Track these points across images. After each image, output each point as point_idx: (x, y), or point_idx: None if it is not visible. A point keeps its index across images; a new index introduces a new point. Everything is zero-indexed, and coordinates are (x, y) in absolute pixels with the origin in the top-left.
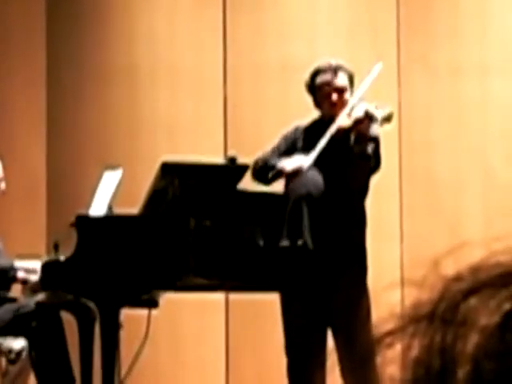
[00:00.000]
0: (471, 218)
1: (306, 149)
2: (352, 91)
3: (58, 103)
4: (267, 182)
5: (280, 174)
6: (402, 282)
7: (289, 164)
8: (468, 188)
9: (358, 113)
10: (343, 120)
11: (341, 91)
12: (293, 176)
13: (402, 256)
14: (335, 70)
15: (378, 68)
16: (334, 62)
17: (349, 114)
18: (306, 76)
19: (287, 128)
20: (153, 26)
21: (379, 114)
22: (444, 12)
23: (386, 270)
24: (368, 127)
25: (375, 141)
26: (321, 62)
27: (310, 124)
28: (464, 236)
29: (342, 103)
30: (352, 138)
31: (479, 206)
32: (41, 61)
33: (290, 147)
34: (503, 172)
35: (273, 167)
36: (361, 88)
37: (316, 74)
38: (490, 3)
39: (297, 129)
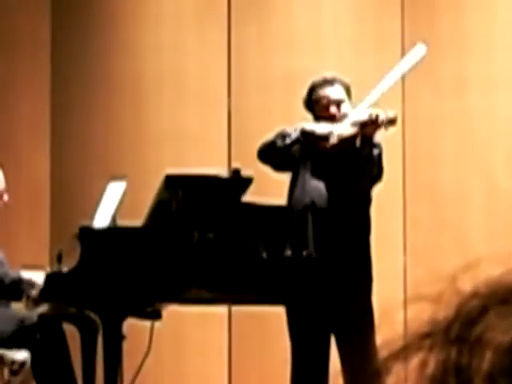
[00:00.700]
0: (475, 231)
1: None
2: (350, 102)
3: (63, 114)
4: (281, 153)
5: (307, 135)
6: (405, 295)
7: (318, 127)
8: (472, 201)
9: (362, 116)
10: (345, 128)
11: (338, 103)
12: (321, 140)
13: (405, 269)
14: (331, 83)
15: (420, 51)
16: (328, 75)
17: (352, 124)
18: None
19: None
20: (158, 37)
21: (383, 116)
22: (449, 24)
23: (389, 283)
24: (373, 131)
25: (378, 148)
26: (315, 78)
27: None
28: (468, 248)
29: (340, 116)
30: (358, 141)
31: (483, 220)
32: (46, 71)
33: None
34: (508, 185)
35: (290, 135)
36: (397, 69)
37: (312, 89)
38: (495, 16)
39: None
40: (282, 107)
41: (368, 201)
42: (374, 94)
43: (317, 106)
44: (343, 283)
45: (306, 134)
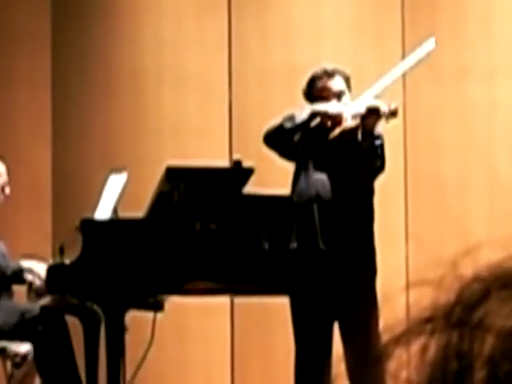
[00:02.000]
0: (477, 219)
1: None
2: (350, 94)
3: (64, 107)
4: (288, 136)
5: (317, 116)
6: (408, 283)
7: (331, 107)
8: (474, 189)
9: (360, 109)
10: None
11: (339, 95)
12: (333, 120)
13: (407, 257)
14: (331, 75)
15: (430, 44)
16: (328, 66)
17: (352, 116)
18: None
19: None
20: (159, 30)
21: (384, 108)
22: (449, 14)
23: (392, 272)
24: (374, 123)
25: (380, 139)
26: (315, 69)
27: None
28: (470, 237)
29: None
30: (359, 134)
31: (485, 208)
32: (46, 64)
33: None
34: (509, 173)
35: (298, 117)
36: (405, 63)
37: (312, 80)
38: (495, 6)
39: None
40: (283, 99)
41: (371, 192)
42: (378, 86)
43: (317, 97)
44: (348, 272)
45: (316, 115)
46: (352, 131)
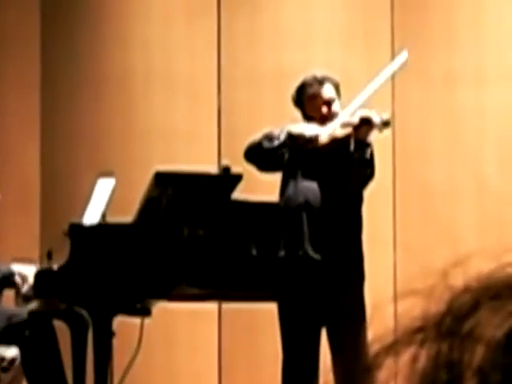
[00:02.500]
0: (465, 227)
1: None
2: (340, 101)
3: (53, 110)
4: (269, 154)
5: (294, 139)
6: (396, 292)
7: (306, 129)
8: (462, 197)
9: (354, 119)
10: (337, 128)
11: (329, 103)
12: (309, 143)
13: (395, 265)
14: (321, 82)
15: (403, 57)
16: (319, 73)
17: (344, 124)
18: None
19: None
20: (148, 33)
21: (378, 119)
22: (439, 20)
23: (380, 280)
24: (367, 133)
25: (369, 147)
26: (306, 76)
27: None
28: (458, 244)
29: (331, 115)
30: (352, 144)
31: (473, 215)
32: (35, 66)
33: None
34: (498, 181)
35: (277, 138)
36: (382, 74)
37: (302, 87)
38: (485, 11)
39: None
40: (272, 104)
41: (360, 200)
42: (361, 97)
43: (307, 105)
44: (336, 279)
45: (292, 138)
46: (343, 140)
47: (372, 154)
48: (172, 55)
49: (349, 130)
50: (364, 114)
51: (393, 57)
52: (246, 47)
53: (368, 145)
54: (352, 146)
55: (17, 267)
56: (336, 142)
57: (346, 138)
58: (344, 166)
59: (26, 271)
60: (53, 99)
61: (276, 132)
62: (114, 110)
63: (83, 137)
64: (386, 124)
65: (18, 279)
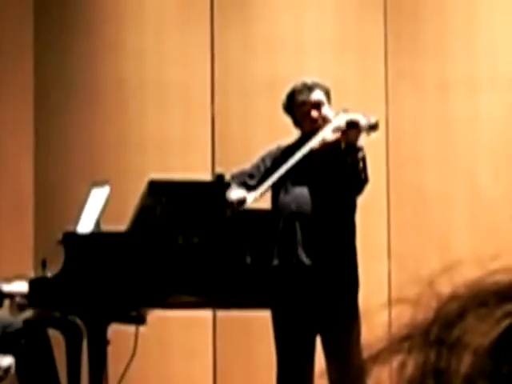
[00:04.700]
0: (459, 233)
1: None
2: (330, 106)
3: (46, 119)
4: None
5: (228, 204)
6: (390, 299)
7: (233, 194)
8: (456, 204)
9: (340, 123)
10: (326, 134)
11: (318, 106)
12: (238, 206)
13: (389, 272)
14: (311, 89)
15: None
16: (308, 80)
17: (333, 130)
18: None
19: (271, 146)
20: (142, 43)
21: (364, 122)
22: (432, 28)
23: (374, 287)
24: (356, 136)
25: (361, 151)
26: (295, 82)
27: (291, 143)
28: (452, 252)
29: (321, 118)
30: (342, 149)
31: (467, 222)
32: (29, 76)
33: (271, 167)
34: (491, 188)
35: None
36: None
37: (292, 94)
38: (477, 18)
39: (278, 148)
40: (265, 112)
41: (353, 207)
42: (269, 181)
43: (298, 111)
44: (330, 287)
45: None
46: (333, 144)
47: (364, 159)
48: (166, 65)
49: (338, 135)
50: (351, 117)
51: (386, 64)
52: (239, 56)
53: (359, 149)
54: (343, 149)
55: (8, 287)
56: (326, 147)
57: (336, 142)
58: (336, 172)
59: (17, 287)
60: (46, 109)
61: (233, 188)
62: (108, 119)
63: (77, 146)
64: (373, 127)
65: (6, 288)
